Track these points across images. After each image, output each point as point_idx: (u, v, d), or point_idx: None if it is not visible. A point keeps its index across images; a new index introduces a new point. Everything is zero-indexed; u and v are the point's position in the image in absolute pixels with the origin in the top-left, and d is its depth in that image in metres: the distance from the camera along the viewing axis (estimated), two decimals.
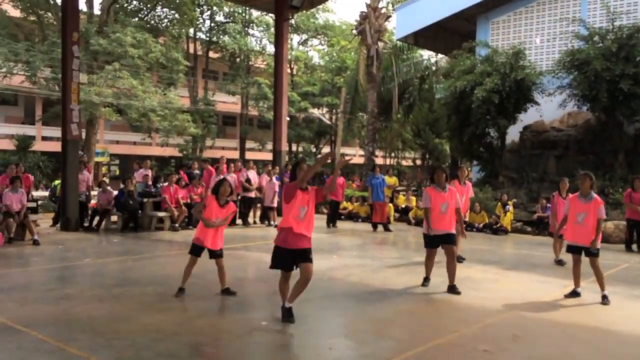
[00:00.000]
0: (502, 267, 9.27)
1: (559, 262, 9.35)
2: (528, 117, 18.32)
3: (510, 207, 14.60)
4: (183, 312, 6.00)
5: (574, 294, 7.03)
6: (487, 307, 6.46)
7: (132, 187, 12.72)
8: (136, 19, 29.74)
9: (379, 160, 27.99)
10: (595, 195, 6.89)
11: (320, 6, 34.98)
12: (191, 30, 34.55)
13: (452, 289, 7.17)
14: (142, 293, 6.77)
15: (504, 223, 14.28)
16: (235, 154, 38.92)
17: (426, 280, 7.59)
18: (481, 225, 14.43)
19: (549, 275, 8.55)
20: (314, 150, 40.63)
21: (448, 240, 7.24)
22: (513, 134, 18.85)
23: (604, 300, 6.73)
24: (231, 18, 35.85)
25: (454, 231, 7.30)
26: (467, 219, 10.02)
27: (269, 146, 28.59)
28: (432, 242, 7.34)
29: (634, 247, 11.48)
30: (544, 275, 8.61)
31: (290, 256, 5.53)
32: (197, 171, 15.06)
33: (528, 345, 5.12)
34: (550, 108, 17.48)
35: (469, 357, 4.76)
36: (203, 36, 36.71)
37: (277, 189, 14.64)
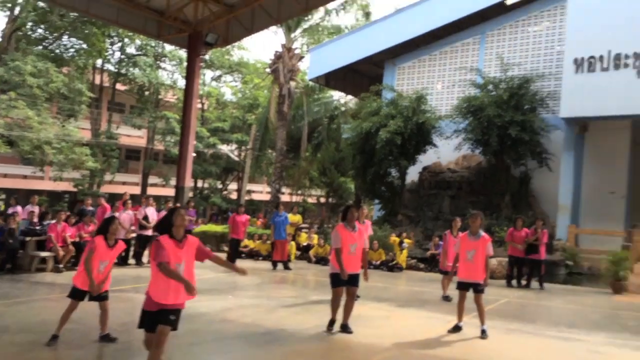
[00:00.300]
0: (395, 304, 9.51)
1: (446, 298, 9.73)
2: (427, 158, 19.25)
3: (406, 245, 15.05)
4: None
5: (457, 328, 7.33)
6: (376, 345, 6.57)
7: (15, 224, 11.81)
8: (40, 47, 28.37)
9: (285, 198, 28.15)
10: (483, 233, 7.28)
11: (235, 44, 35.23)
12: (99, 61, 33.43)
13: (345, 328, 7.16)
14: (11, 342, 6.22)
15: (399, 260, 14.66)
16: (137, 189, 37.51)
17: (332, 323, 7.25)
18: (378, 262, 14.77)
19: (436, 312, 8.87)
20: (220, 186, 40.10)
21: (353, 282, 7.18)
22: (413, 174, 19.69)
23: (483, 334, 7.06)
24: (143, 51, 35.14)
25: (359, 272, 7.27)
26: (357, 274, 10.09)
27: (173, 182, 27.90)
28: (340, 282, 7.10)
29: (514, 282, 12.20)
30: (431, 311, 8.93)
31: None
32: (90, 207, 14.28)
33: None
34: (447, 150, 18.48)
35: None
36: (111, 67, 35.61)
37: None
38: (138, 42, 34.56)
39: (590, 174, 17.40)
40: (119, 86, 36.15)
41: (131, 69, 34.45)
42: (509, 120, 16.19)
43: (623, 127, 17.15)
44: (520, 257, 12.12)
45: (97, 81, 34.58)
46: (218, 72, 41.75)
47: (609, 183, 17.26)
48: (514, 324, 7.83)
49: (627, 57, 15.35)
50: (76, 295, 6.30)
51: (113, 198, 20.86)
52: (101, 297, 6.35)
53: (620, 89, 15.21)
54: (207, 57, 31.95)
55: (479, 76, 18.20)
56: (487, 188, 17.91)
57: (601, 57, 15.71)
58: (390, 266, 14.42)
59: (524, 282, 12.17)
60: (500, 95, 16.87)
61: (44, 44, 29.19)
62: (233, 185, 41.96)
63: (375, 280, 12.40)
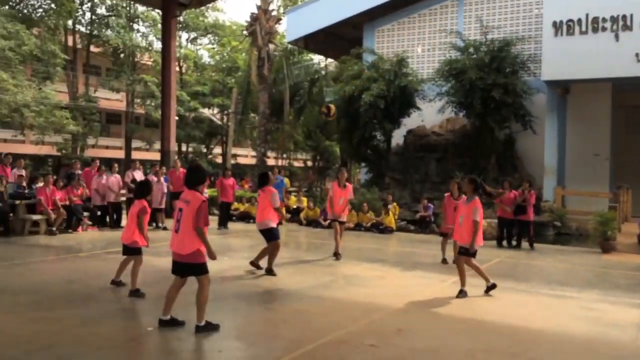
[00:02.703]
0: (388, 265, 9.67)
1: (444, 261, 9.85)
2: (411, 121, 19.33)
3: (391, 207, 15.17)
4: (60, 321, 5.58)
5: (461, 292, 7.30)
6: (373, 303, 6.70)
7: (2, 188, 11.63)
8: (6, 7, 27.26)
9: (270, 161, 28.05)
10: (474, 198, 7.23)
11: (210, 5, 34.35)
12: (70, 22, 32.32)
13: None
14: (14, 302, 6.22)
15: (385, 222, 14.80)
16: (121, 154, 37.01)
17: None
18: (369, 224, 14.93)
19: (430, 272, 9.04)
20: (204, 150, 39.77)
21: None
22: (398, 137, 19.79)
23: (461, 294, 7.12)
24: (114, 11, 34.04)
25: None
26: (344, 220, 10.49)
27: (157, 146, 27.52)
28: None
29: (504, 243, 12.48)
30: (425, 271, 9.09)
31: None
32: (79, 171, 14.14)
33: (411, 339, 5.39)
34: (431, 113, 18.58)
35: (355, 353, 4.91)
36: (83, 29, 34.51)
37: (165, 189, 14.17)
38: (108, 1, 33.52)
39: (574, 136, 17.73)
40: (93, 48, 35.17)
41: (104, 30, 33.47)
42: (491, 83, 16.31)
43: (604, 89, 17.44)
44: (509, 219, 12.33)
45: (70, 43, 33.54)
46: (193, 34, 40.85)
47: (592, 145, 17.63)
48: (507, 282, 8.03)
49: (604, 20, 15.52)
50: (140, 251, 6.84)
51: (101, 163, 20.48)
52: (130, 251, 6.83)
53: (599, 52, 15.40)
54: (181, 18, 31.21)
55: (459, 39, 18.17)
56: (472, 150, 18.11)
57: (579, 21, 15.85)
58: (381, 228, 14.60)
59: (514, 243, 12.43)
60: (482, 58, 16.93)
61: (10, 3, 28.07)
62: (218, 150, 41.64)
63: (366, 242, 12.62)
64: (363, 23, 22.23)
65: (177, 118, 20.71)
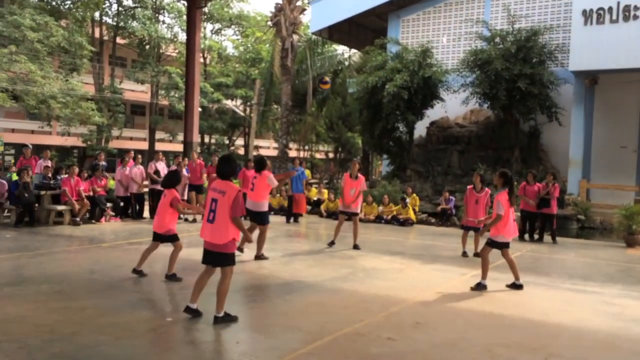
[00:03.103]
0: (408, 258, 9.61)
1: (464, 254, 9.77)
2: (434, 113, 19.12)
3: (409, 200, 15.04)
4: (82, 310, 5.70)
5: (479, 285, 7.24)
6: (392, 296, 6.67)
7: (28, 178, 11.89)
8: None
9: (292, 153, 28.11)
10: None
11: None
12: (97, 14, 32.75)
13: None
14: (37, 292, 6.35)
15: (405, 215, 14.70)
16: (145, 145, 37.49)
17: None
18: (389, 217, 14.87)
19: (450, 264, 8.99)
20: (227, 142, 40.05)
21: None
22: (420, 129, 19.61)
23: (478, 287, 7.12)
24: (140, 3, 34.38)
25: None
26: (359, 211, 10.54)
27: (180, 137, 27.81)
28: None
29: (526, 236, 12.31)
30: (445, 264, 9.04)
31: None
32: (103, 162, 14.35)
33: (429, 332, 5.36)
34: (454, 105, 18.34)
35: (373, 345, 4.90)
36: (110, 20, 34.94)
37: (187, 181, 14.30)
38: None
39: (600, 128, 17.33)
40: (119, 40, 35.63)
41: (130, 22, 33.83)
42: (517, 74, 16.00)
43: (634, 81, 16.96)
44: (532, 212, 12.17)
45: (97, 35, 34.03)
46: (218, 26, 41.01)
47: (620, 137, 17.20)
48: (528, 276, 7.91)
49: (636, 8, 15.08)
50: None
51: (122, 153, 20.79)
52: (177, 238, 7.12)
53: (630, 41, 15.00)
54: (206, 9, 31.32)
55: (486, 29, 17.87)
56: (496, 143, 17.87)
57: (610, 9, 15.42)
58: (402, 221, 14.52)
59: (536, 236, 12.27)
60: (508, 48, 16.62)
61: None
62: (240, 141, 41.89)
63: (386, 235, 12.58)
64: (388, 13, 22.02)
65: (200, 110, 20.89)
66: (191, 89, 17.35)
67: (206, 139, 39.08)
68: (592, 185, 16.55)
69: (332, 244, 10.29)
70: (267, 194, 8.82)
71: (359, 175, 10.20)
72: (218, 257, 5.33)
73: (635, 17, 15.07)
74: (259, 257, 8.76)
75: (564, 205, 15.34)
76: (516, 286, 7.23)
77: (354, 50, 29.26)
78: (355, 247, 10.09)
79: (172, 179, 7.26)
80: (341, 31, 24.76)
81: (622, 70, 15.82)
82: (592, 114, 17.30)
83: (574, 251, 11.00)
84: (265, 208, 8.75)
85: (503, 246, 7.16)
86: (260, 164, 8.93)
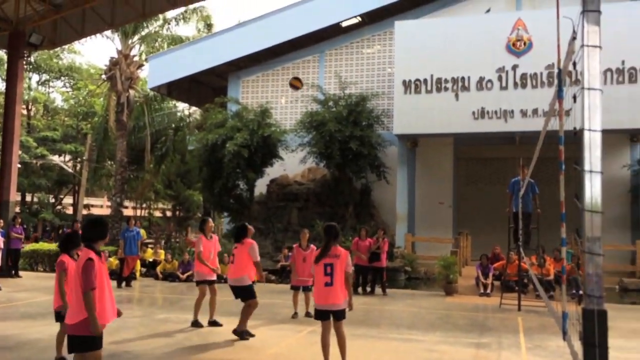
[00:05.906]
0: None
1: (294, 315, 9.51)
2: (274, 171, 19.61)
3: None
4: None
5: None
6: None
7: None
8: None
9: (128, 212, 26.63)
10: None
11: (65, 46, 32.58)
12: None
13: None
14: None
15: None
16: None
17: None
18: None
19: (289, 323, 9.01)
20: (52, 200, 36.69)
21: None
22: (261, 186, 19.89)
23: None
24: None
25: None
26: (219, 272, 9.78)
27: None
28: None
29: (360, 290, 12.85)
30: (284, 323, 9.04)
31: None
32: None
33: None
34: (293, 163, 19.01)
35: None
36: None
37: (1, 245, 12.76)
38: None
39: (422, 186, 19.08)
40: None
41: None
42: (349, 135, 17.14)
43: (447, 144, 19.14)
44: (364, 266, 12.76)
45: None
46: (45, 77, 38.29)
47: (438, 194, 19.07)
48: (359, 329, 8.21)
49: (446, 81, 17.17)
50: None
51: None
52: None
53: (442, 109, 16.95)
54: (31, 59, 29.19)
55: (320, 92, 19.02)
56: (332, 199, 18.73)
57: (425, 80, 17.36)
58: None
59: (368, 289, 12.86)
60: (340, 111, 17.81)
61: None
62: (69, 199, 38.62)
63: (225, 295, 12.22)
64: (228, 73, 22.39)
65: (20, 166, 18.99)
66: (9, 143, 15.81)
67: (28, 198, 35.44)
68: (416, 239, 18.01)
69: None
70: (250, 266, 7.82)
71: (212, 235, 9.19)
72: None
73: (446, 88, 17.14)
74: (242, 332, 7.82)
75: (394, 257, 16.41)
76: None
77: (194, 108, 29.11)
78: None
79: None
80: (181, 88, 24.56)
81: (436, 134, 17.77)
82: (414, 173, 19.04)
83: (402, 302, 11.72)
84: (249, 281, 7.86)
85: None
86: (241, 231, 8.02)
